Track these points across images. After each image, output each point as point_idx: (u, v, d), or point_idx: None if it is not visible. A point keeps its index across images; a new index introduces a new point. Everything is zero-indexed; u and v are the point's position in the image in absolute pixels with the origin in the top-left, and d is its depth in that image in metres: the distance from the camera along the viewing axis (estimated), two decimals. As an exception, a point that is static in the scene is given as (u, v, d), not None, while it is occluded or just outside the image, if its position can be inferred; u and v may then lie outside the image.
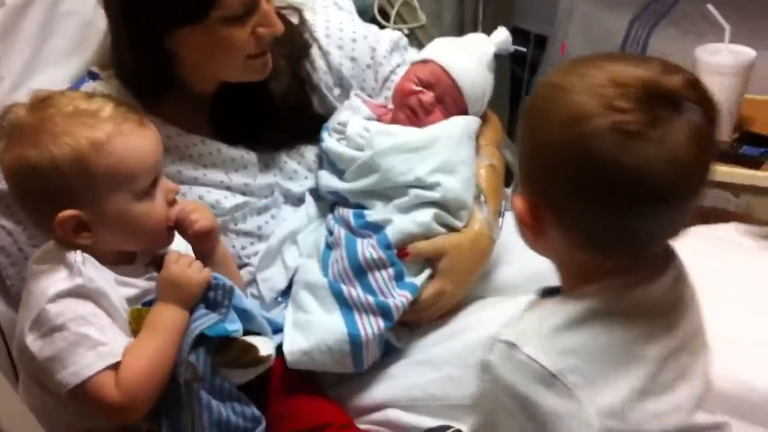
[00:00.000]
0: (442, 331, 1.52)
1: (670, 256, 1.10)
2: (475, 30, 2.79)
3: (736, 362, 1.44)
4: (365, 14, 2.85)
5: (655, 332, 1.06)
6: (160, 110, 1.53)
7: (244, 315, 1.36)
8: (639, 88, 0.99)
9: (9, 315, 1.60)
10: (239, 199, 1.59)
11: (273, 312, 1.56)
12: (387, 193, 1.56)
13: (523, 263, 1.59)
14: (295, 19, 1.68)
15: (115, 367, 1.22)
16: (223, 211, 1.56)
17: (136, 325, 1.29)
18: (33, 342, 1.23)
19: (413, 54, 1.78)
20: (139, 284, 1.33)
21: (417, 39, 2.52)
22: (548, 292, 1.17)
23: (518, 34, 3.10)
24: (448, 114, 1.62)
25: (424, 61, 1.65)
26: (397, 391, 1.47)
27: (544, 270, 1.63)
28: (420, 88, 1.62)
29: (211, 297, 1.33)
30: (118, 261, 1.33)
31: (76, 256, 1.26)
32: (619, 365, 1.04)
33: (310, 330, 1.46)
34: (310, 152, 1.67)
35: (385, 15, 2.50)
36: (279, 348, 1.46)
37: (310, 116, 1.67)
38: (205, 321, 1.30)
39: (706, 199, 2.73)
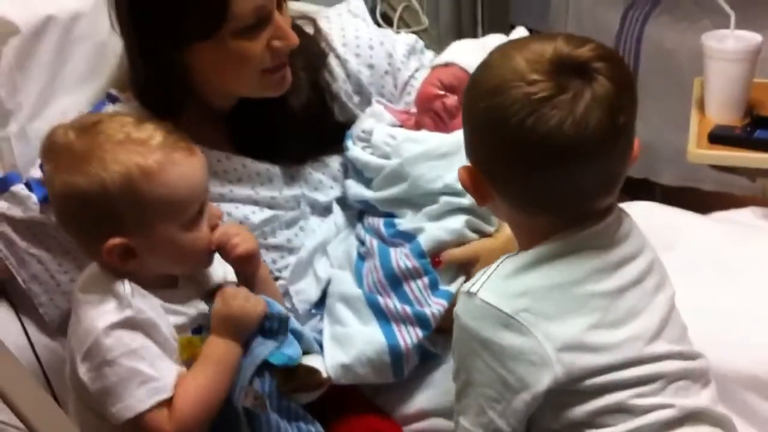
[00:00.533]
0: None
1: (611, 208, 1.19)
2: (474, 29, 2.80)
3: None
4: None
5: (603, 270, 1.16)
6: (181, 128, 1.51)
7: (296, 335, 1.36)
8: (547, 62, 1.10)
9: (44, 341, 1.60)
10: (267, 213, 1.58)
11: (308, 324, 1.55)
12: (417, 200, 1.55)
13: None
14: (309, 29, 1.67)
15: (168, 400, 1.23)
16: (252, 226, 1.55)
17: (186, 354, 1.29)
18: (85, 373, 1.23)
19: (430, 57, 1.77)
20: (187, 311, 1.32)
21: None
22: None
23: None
24: None
25: (446, 65, 1.63)
26: (439, 397, 1.47)
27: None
28: (443, 92, 1.61)
29: (267, 326, 1.33)
30: (161, 285, 1.32)
31: (125, 287, 1.26)
32: (570, 301, 1.14)
33: (349, 343, 1.46)
34: (334, 161, 1.66)
35: (387, 19, 2.51)
36: None
37: (332, 125, 1.66)
38: (265, 349, 1.30)
39: (722, 185, 2.78)
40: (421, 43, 1.78)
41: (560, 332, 1.12)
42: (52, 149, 1.28)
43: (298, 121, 1.60)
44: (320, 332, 1.53)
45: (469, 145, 1.19)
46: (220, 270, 1.41)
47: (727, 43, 2.01)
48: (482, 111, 1.13)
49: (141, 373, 1.22)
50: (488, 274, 1.17)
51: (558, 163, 1.10)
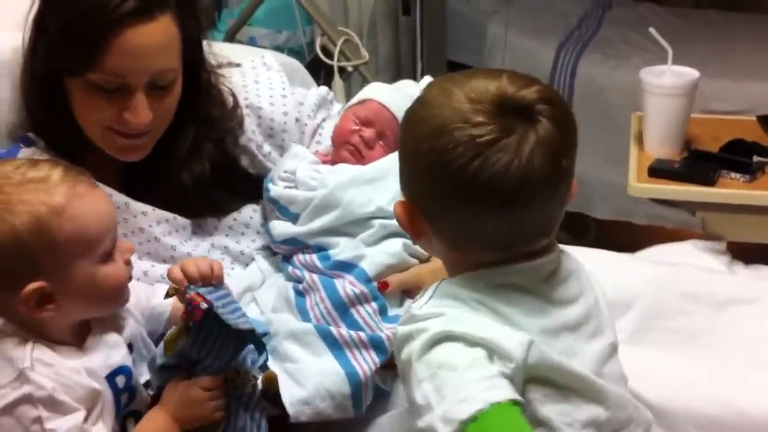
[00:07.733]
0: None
1: (548, 248, 1.17)
2: (412, 63, 2.81)
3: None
4: (301, 54, 2.85)
5: (534, 310, 1.15)
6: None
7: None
8: (491, 102, 1.08)
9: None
10: None
11: None
12: (348, 229, 1.55)
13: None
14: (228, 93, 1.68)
15: None
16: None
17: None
18: None
19: (338, 108, 1.81)
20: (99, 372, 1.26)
21: (362, 75, 2.52)
22: None
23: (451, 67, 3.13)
24: (389, 149, 1.63)
25: (361, 102, 1.68)
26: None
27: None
28: (360, 127, 1.64)
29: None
30: (71, 342, 1.27)
31: (25, 361, 1.19)
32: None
33: (304, 377, 1.41)
34: (246, 209, 1.66)
35: (327, 53, 2.50)
36: None
37: (240, 177, 1.67)
38: (247, 319, 1.31)
39: (654, 219, 2.80)
40: (331, 95, 1.84)
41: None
42: None
43: (198, 183, 1.60)
44: None
45: (407, 181, 1.17)
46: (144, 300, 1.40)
47: (665, 78, 2.05)
48: (424, 151, 1.10)
49: None
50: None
51: (500, 207, 1.08)
